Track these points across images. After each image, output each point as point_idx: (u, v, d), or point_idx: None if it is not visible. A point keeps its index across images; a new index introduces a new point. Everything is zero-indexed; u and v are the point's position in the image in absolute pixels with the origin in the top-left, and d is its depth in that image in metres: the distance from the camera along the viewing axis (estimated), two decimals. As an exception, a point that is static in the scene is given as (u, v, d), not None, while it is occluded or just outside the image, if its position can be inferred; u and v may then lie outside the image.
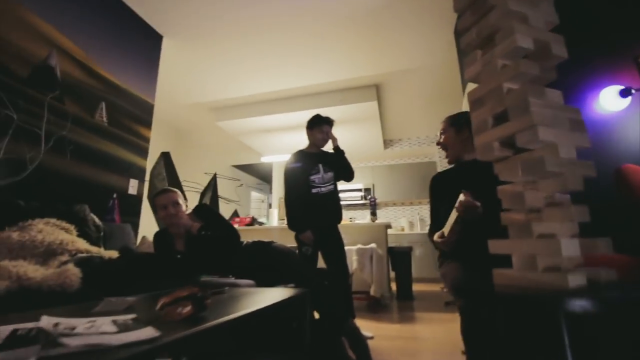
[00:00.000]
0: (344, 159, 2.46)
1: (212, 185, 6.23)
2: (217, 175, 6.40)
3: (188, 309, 0.70)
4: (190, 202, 5.56)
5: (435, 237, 1.33)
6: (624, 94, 1.75)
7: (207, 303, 0.75)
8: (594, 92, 1.85)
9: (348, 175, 2.48)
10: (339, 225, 2.47)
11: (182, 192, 5.32)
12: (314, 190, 2.36)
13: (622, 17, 1.88)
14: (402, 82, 4.18)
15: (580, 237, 0.82)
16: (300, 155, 2.47)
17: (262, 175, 8.34)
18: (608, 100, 1.78)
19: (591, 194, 0.91)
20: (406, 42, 3.38)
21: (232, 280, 1.51)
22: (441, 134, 1.54)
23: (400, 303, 3.83)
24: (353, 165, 2.51)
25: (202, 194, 5.96)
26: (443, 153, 1.59)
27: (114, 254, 1.83)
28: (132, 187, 2.62)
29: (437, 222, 1.42)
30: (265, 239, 1.91)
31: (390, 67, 3.84)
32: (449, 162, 1.53)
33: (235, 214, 6.89)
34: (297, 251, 2.38)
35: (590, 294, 0.70)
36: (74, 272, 1.41)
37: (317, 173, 2.39)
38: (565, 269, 0.79)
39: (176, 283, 1.55)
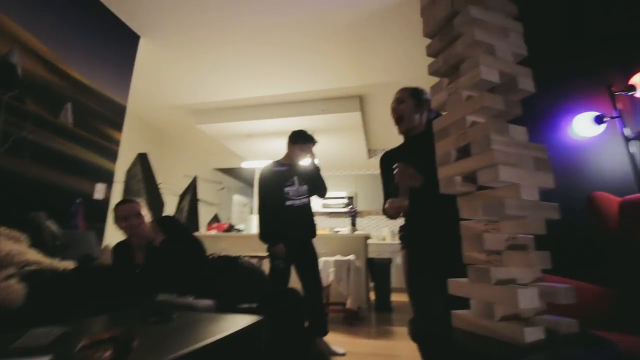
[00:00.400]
0: (319, 175, 2.45)
1: (192, 188, 6.09)
2: (197, 178, 6.25)
3: (108, 354, 0.63)
4: (167, 205, 5.41)
5: (387, 204, 1.36)
6: (598, 120, 1.75)
7: (133, 345, 0.68)
8: (568, 117, 1.84)
9: (322, 191, 2.47)
10: (318, 235, 2.45)
11: (159, 194, 5.19)
12: (287, 203, 2.32)
13: (597, 44, 1.88)
14: (386, 94, 4.14)
15: (543, 280, 0.79)
16: (277, 165, 2.45)
17: (246, 179, 8.22)
18: (582, 127, 1.78)
19: (565, 221, 0.87)
20: (389, 56, 3.37)
21: (189, 301, 1.42)
22: (398, 102, 1.47)
23: (378, 315, 3.79)
24: (336, 174, 2.52)
25: (182, 197, 5.81)
26: None
27: (69, 265, 1.72)
28: (98, 191, 2.50)
29: (388, 197, 1.42)
30: (243, 247, 1.84)
31: (373, 79, 3.82)
32: (401, 132, 1.49)
33: (216, 218, 6.75)
34: (270, 265, 2.31)
35: (548, 353, 0.66)
36: (17, 288, 1.31)
37: (292, 185, 2.36)
38: (524, 317, 0.75)
39: (133, 301, 1.47)
